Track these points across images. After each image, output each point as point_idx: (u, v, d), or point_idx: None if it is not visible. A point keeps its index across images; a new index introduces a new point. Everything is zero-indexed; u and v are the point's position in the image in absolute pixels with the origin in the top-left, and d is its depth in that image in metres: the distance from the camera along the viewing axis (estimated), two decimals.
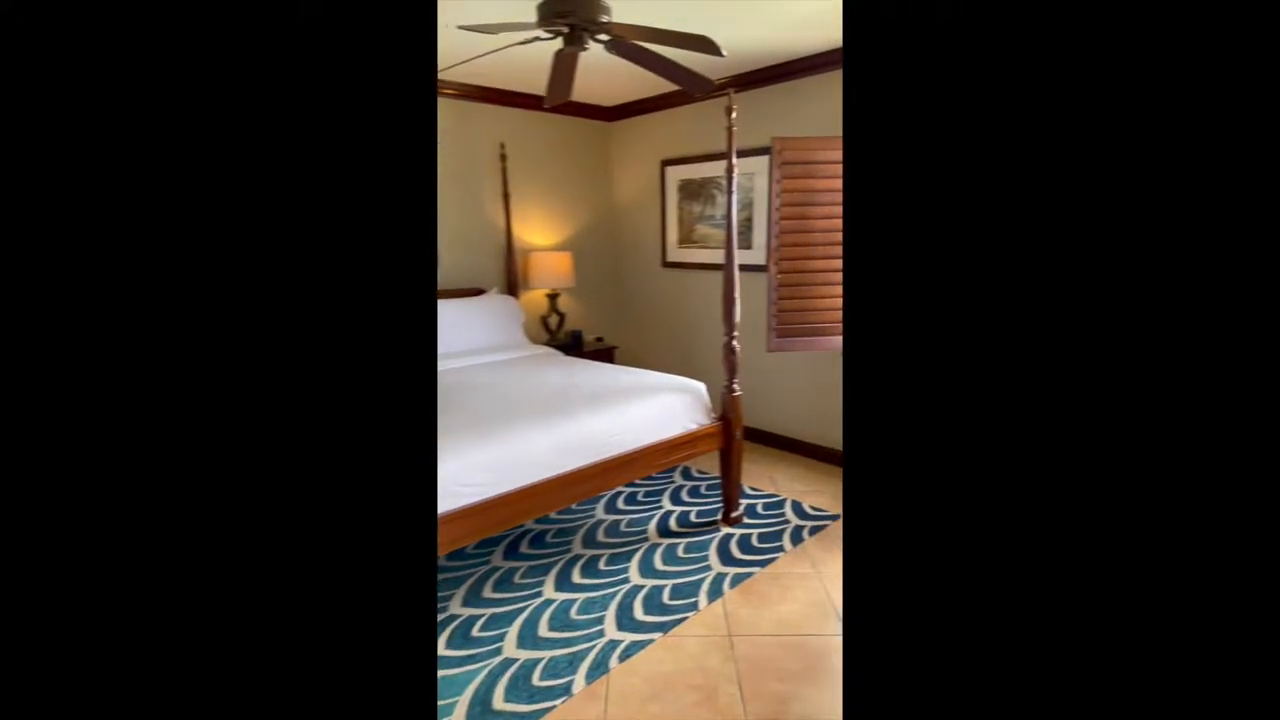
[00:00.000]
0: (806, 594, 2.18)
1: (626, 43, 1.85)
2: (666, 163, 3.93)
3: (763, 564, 2.37)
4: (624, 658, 1.87)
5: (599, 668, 1.83)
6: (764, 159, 3.30)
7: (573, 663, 1.84)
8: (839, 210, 2.95)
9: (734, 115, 2.40)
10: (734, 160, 2.45)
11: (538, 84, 3.00)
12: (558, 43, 1.85)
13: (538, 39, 1.86)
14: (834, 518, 2.73)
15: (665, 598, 2.16)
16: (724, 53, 1.83)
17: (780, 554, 2.44)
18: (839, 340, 3.09)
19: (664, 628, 2.00)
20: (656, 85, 3.47)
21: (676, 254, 4.01)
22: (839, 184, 2.93)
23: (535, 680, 1.78)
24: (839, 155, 2.91)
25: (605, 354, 4.05)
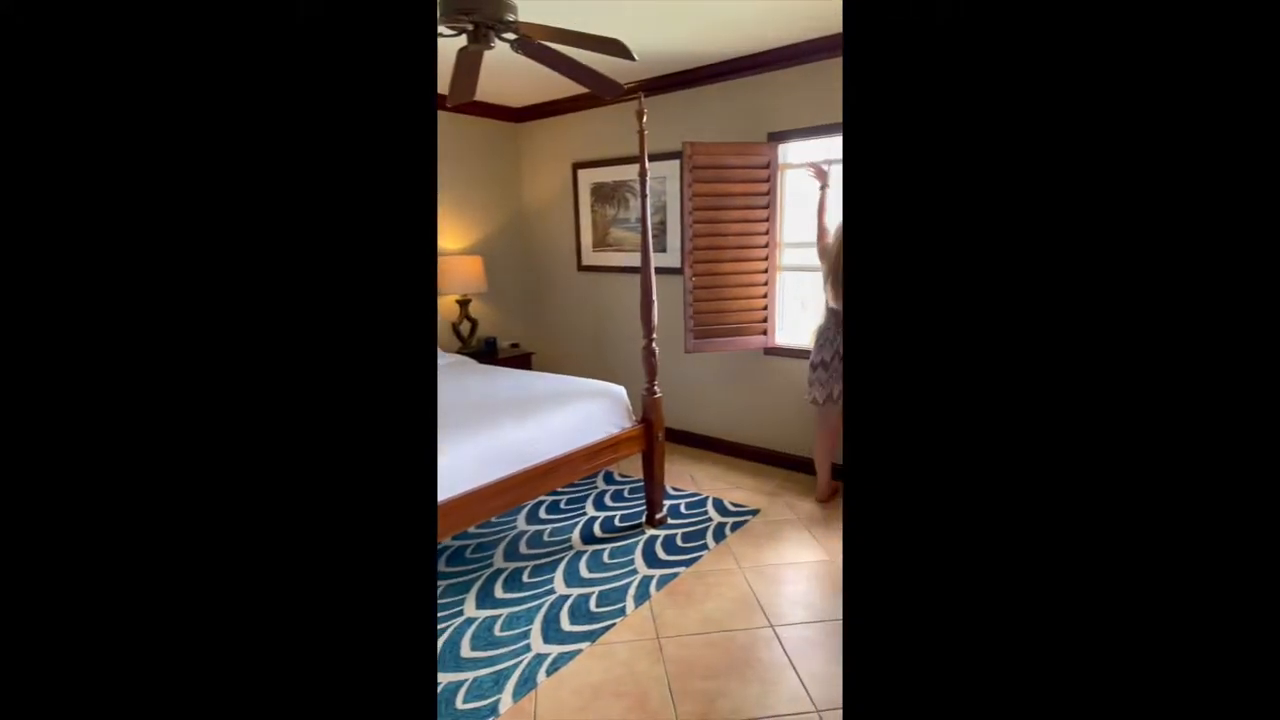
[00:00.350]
0: (731, 590, 2.22)
1: (533, 43, 1.82)
2: (578, 165, 3.91)
3: (688, 563, 2.39)
4: (552, 671, 1.82)
5: (526, 684, 1.77)
6: (676, 163, 3.35)
7: (498, 681, 1.78)
8: (750, 214, 3.04)
9: (645, 119, 2.42)
10: (646, 164, 2.46)
11: (441, 82, 2.90)
12: (462, 40, 1.79)
13: (440, 35, 1.79)
14: (754, 512, 2.81)
15: (592, 605, 2.14)
16: (635, 56, 1.84)
17: (705, 552, 2.48)
18: (755, 340, 3.19)
19: (592, 636, 1.98)
20: (566, 87, 3.44)
21: (592, 257, 3.99)
22: (749, 188, 3.02)
23: (459, 704, 1.70)
24: (748, 160, 3.00)
25: (522, 360, 3.96)
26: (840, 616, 2.05)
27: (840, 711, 1.65)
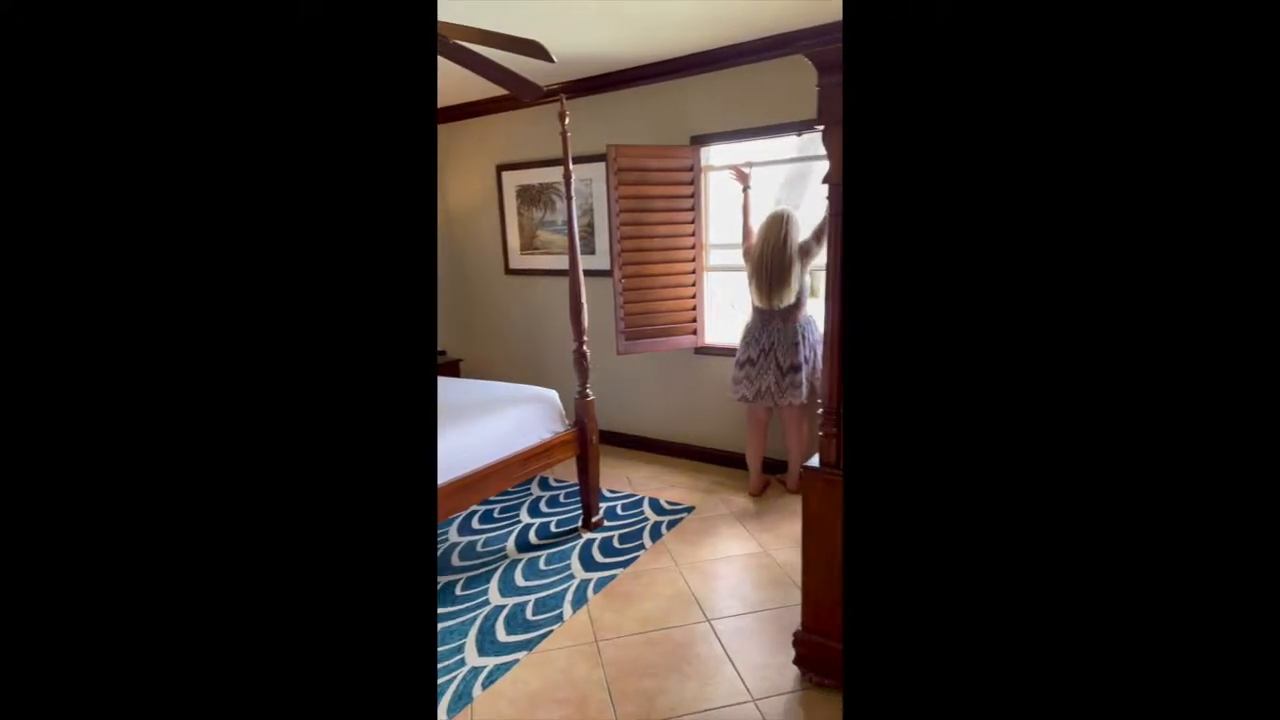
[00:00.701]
0: (668, 587, 2.24)
1: (450, 43, 1.77)
2: (503, 167, 3.84)
3: (625, 564, 2.40)
4: (488, 683, 1.78)
5: (462, 699, 1.72)
6: (602, 165, 3.35)
7: None
8: (676, 215, 3.08)
9: (568, 121, 2.41)
10: (570, 166, 2.45)
11: None
12: None
13: None
14: (689, 510, 2.85)
15: (529, 614, 2.10)
16: (554, 58, 1.82)
17: (641, 552, 2.49)
18: (686, 340, 3.23)
19: (529, 645, 1.94)
20: (488, 87, 3.38)
21: (519, 261, 3.93)
22: (673, 190, 3.06)
23: None
24: (671, 163, 3.04)
25: (451, 368, 3.85)
26: (772, 605, 2.11)
27: (776, 699, 1.70)
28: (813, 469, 1.66)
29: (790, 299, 2.66)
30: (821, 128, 1.52)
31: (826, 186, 1.55)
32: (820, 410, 1.66)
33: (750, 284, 2.75)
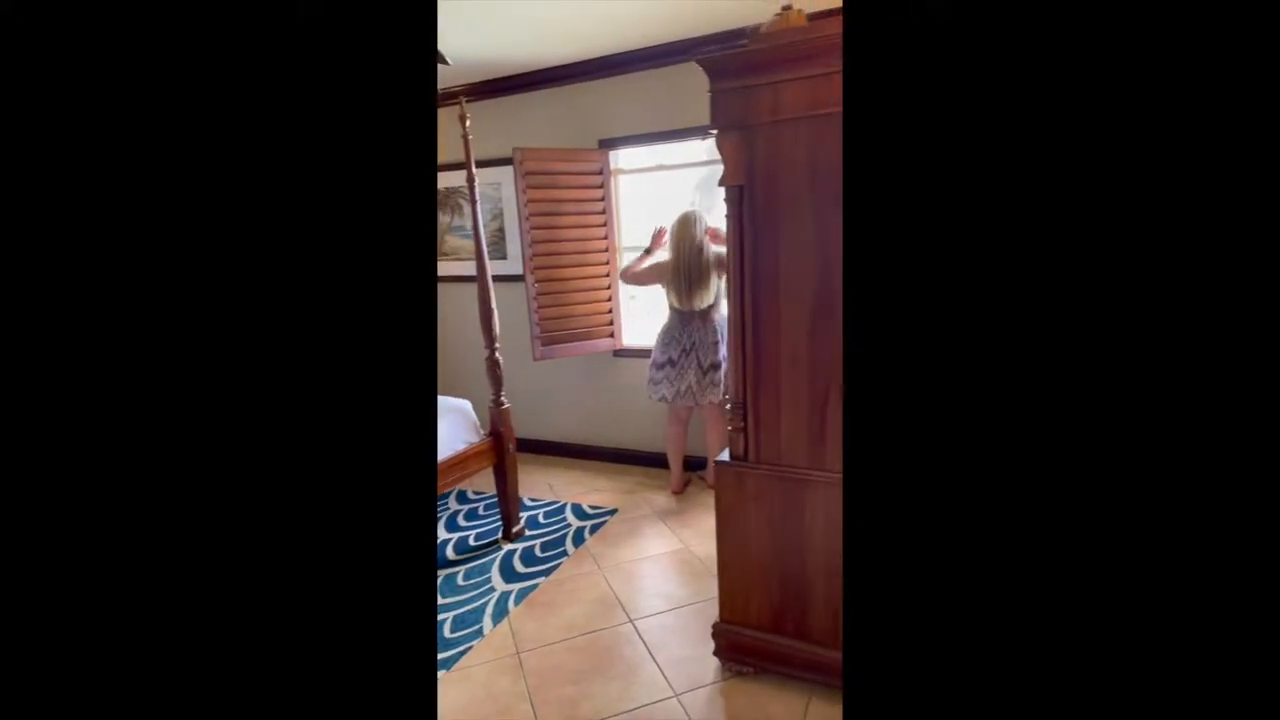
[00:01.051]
0: (591, 592, 2.23)
1: None
2: None
3: (547, 573, 2.37)
4: None
5: None
6: (510, 169, 3.30)
7: None
8: (587, 219, 3.08)
9: (468, 124, 2.36)
10: (474, 170, 2.40)
11: None
12: None
13: None
14: (612, 512, 2.85)
15: (447, 631, 2.03)
16: (448, 60, 1.78)
17: (564, 559, 2.46)
18: (603, 342, 3.23)
19: (447, 664, 1.88)
20: None
21: None
22: (583, 194, 3.06)
23: None
24: (580, 166, 3.04)
25: None
26: (694, 600, 2.14)
27: (698, 691, 1.72)
28: (723, 463, 1.71)
29: (709, 299, 2.72)
30: (715, 132, 1.57)
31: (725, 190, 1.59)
32: (726, 405, 1.71)
33: (667, 287, 2.78)
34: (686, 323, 2.78)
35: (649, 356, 3.01)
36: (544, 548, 2.56)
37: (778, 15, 1.51)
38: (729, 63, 1.49)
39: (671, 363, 2.80)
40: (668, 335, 2.83)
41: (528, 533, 2.69)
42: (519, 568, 2.41)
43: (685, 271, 2.68)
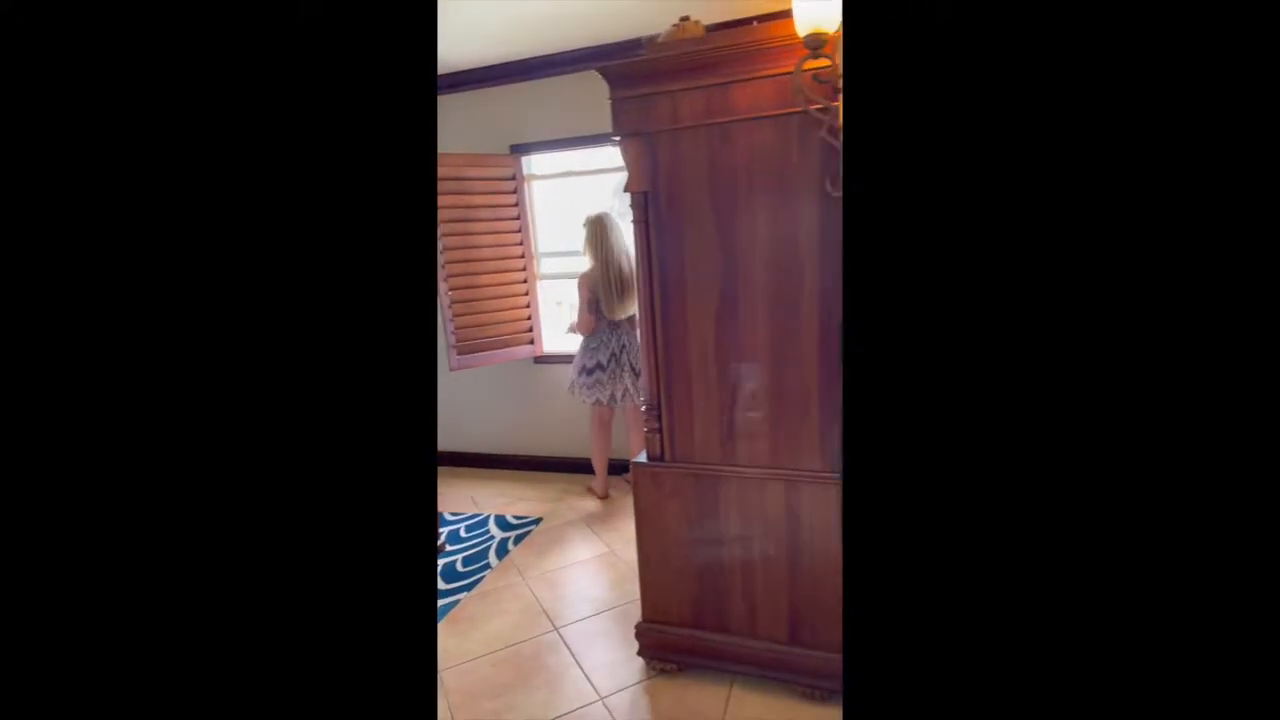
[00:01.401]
0: (516, 603, 2.20)
1: None
2: None
3: (469, 587, 2.31)
4: None
5: None
6: None
7: None
8: (501, 225, 3.04)
9: None
10: None
11: None
12: None
13: None
14: (537, 521, 2.82)
15: None
16: None
17: (487, 572, 2.41)
18: (523, 350, 3.19)
19: None
20: None
21: None
22: (496, 200, 3.02)
23: None
24: (492, 172, 2.99)
25: None
26: (619, 603, 2.15)
27: (623, 693, 1.73)
28: (640, 464, 1.73)
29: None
30: (618, 139, 1.59)
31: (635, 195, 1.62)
32: (643, 407, 1.73)
33: (601, 303, 2.75)
34: (615, 328, 2.78)
35: (570, 362, 3.00)
36: (466, 562, 2.49)
37: (675, 26, 1.56)
38: (628, 71, 1.52)
39: (601, 367, 2.79)
40: (595, 340, 2.82)
41: (448, 548, 2.61)
42: (440, 584, 2.34)
43: (615, 281, 2.69)
